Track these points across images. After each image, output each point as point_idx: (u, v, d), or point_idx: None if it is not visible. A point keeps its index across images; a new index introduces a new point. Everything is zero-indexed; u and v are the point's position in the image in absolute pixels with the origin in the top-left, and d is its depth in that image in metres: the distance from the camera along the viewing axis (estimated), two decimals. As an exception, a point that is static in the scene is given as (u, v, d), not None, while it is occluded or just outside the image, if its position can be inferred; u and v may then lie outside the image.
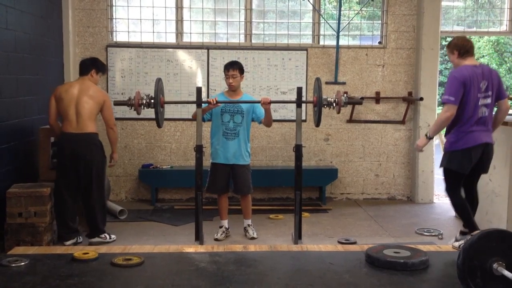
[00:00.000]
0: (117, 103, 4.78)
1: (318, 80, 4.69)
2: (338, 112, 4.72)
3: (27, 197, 4.65)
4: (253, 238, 5.16)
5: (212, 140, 5.18)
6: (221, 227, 5.27)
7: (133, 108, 4.52)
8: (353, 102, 5.20)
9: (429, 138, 4.61)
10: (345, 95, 4.70)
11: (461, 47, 4.57)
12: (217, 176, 5.14)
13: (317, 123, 4.74)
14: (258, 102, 4.93)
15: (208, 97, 6.74)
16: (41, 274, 2.43)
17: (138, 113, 4.68)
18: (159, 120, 4.65)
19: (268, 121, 5.04)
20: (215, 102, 4.85)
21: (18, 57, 5.24)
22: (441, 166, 4.66)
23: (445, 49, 5.44)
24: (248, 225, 5.30)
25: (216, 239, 5.11)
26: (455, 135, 4.49)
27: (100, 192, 5.06)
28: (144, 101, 4.51)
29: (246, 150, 5.14)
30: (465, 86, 4.39)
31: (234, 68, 5.02)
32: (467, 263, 2.19)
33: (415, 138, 6.99)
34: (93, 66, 5.12)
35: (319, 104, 4.59)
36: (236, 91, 5.11)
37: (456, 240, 4.62)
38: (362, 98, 5.18)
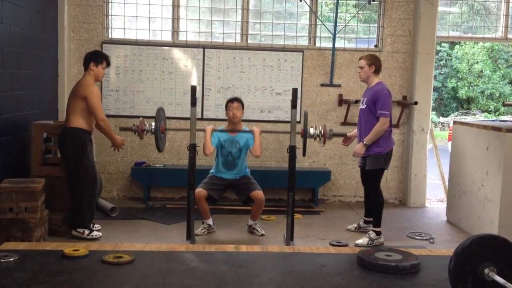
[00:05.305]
0: (123, 129, 5.19)
1: (305, 113, 4.96)
2: (324, 143, 5.07)
3: (18, 192, 4.61)
4: (262, 235, 5.38)
5: (214, 163, 5.51)
6: (203, 223, 5.41)
7: (136, 133, 4.92)
8: (338, 135, 5.42)
9: (365, 145, 5.18)
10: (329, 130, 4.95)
11: (379, 65, 5.35)
12: (211, 182, 5.36)
13: (304, 152, 4.92)
14: (250, 132, 5.27)
15: (203, 96, 6.79)
16: (30, 271, 2.42)
17: (141, 138, 5.10)
18: (159, 145, 4.99)
19: (256, 145, 5.25)
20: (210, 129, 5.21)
21: (13, 52, 5.21)
22: (375, 167, 5.24)
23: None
24: (255, 223, 5.46)
25: (196, 235, 5.15)
26: (383, 141, 5.21)
27: (74, 187, 5.10)
28: (147, 128, 4.91)
29: (245, 171, 5.48)
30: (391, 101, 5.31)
31: (238, 101, 5.37)
32: (459, 267, 2.19)
33: (409, 142, 7.02)
34: (91, 59, 5.16)
35: (305, 135, 4.87)
36: (237, 124, 5.39)
37: (371, 239, 5.25)
38: (345, 135, 5.56)
